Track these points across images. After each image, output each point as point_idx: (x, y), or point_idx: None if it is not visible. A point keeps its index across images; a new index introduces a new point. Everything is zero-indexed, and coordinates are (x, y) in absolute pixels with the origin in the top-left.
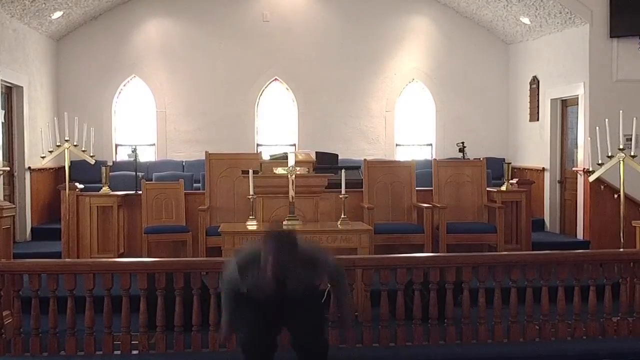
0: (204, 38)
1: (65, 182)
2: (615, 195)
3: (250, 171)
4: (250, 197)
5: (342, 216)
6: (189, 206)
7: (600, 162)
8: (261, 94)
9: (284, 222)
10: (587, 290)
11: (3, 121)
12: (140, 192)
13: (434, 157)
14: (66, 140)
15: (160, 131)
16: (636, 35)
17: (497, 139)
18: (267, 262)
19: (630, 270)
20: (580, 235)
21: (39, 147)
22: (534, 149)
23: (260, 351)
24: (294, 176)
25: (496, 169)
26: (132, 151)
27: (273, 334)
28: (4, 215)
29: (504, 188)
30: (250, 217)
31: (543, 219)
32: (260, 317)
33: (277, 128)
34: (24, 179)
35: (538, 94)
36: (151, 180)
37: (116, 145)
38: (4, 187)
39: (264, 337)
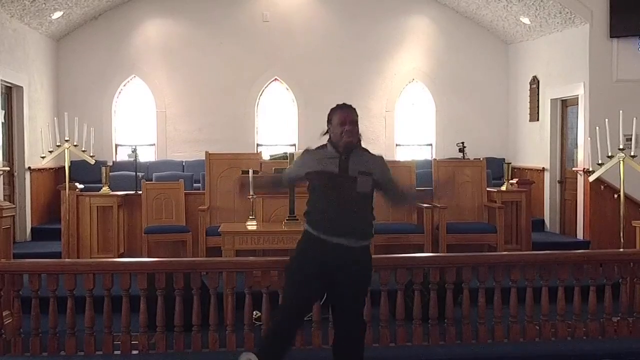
0: (204, 38)
1: (65, 182)
2: (615, 195)
3: (250, 171)
4: (250, 197)
5: None
6: (189, 206)
7: (600, 162)
8: (261, 94)
9: (284, 223)
10: (587, 290)
11: (3, 121)
12: (140, 192)
13: (434, 157)
14: (66, 140)
15: (160, 131)
16: (636, 35)
17: (497, 139)
18: (340, 131)
19: (630, 270)
20: (580, 235)
21: (39, 147)
22: (534, 149)
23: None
24: None
25: (496, 169)
26: (132, 151)
27: (317, 293)
28: (4, 215)
29: (504, 188)
30: (250, 217)
31: (543, 219)
32: (314, 271)
33: (277, 128)
34: (24, 179)
35: (538, 94)
36: (151, 180)
37: (116, 145)
38: (4, 187)
39: (311, 290)
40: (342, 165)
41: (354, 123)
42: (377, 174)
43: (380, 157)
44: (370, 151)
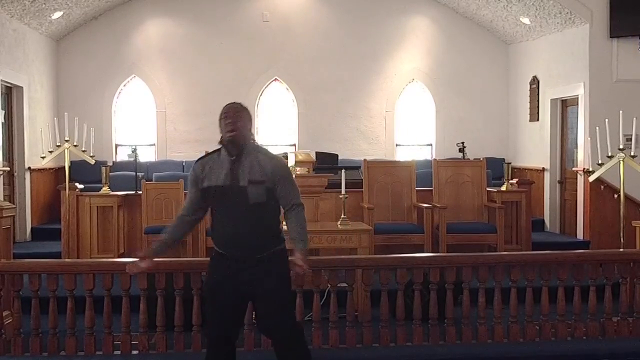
0: (204, 38)
1: (65, 182)
2: (615, 195)
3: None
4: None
5: (342, 216)
6: None
7: (600, 162)
8: (261, 94)
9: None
10: (587, 290)
11: (3, 121)
12: (140, 192)
13: (434, 157)
14: (66, 141)
15: (160, 131)
16: (636, 35)
17: (497, 139)
18: (223, 127)
19: (630, 270)
20: (580, 235)
21: (39, 147)
22: (534, 149)
23: (226, 325)
24: (294, 176)
25: (496, 169)
26: (132, 151)
27: (239, 309)
28: (4, 215)
29: (504, 188)
30: None
31: (543, 219)
32: (227, 282)
33: (277, 128)
34: (24, 179)
35: (538, 94)
36: (151, 180)
37: (116, 145)
38: (4, 187)
39: (229, 310)
40: (232, 171)
41: (236, 117)
42: (270, 182)
43: (278, 160)
44: (274, 154)
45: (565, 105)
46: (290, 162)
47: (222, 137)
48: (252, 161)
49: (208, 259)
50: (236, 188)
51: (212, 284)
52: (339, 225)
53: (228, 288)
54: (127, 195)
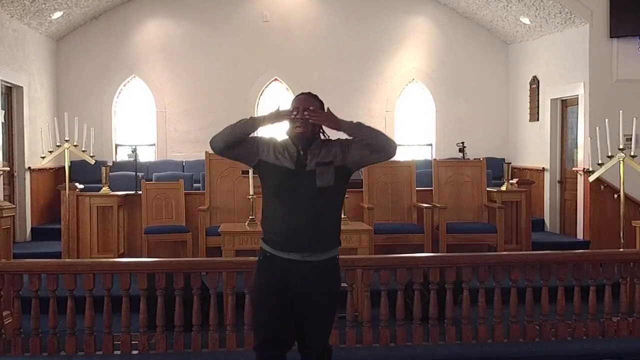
0: (204, 38)
1: (65, 182)
2: (615, 195)
3: (250, 171)
4: (250, 197)
5: (342, 216)
6: (189, 206)
7: (600, 162)
8: (261, 94)
9: None
10: (587, 290)
11: (3, 121)
12: (140, 192)
13: (434, 157)
14: (66, 141)
15: (160, 131)
16: (636, 35)
17: (497, 139)
18: (295, 111)
19: (630, 270)
20: (580, 235)
21: (39, 147)
22: (534, 149)
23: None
24: None
25: (496, 169)
26: (132, 151)
27: (290, 312)
28: (4, 215)
29: (504, 188)
30: (250, 217)
31: (543, 219)
32: (276, 298)
33: (277, 128)
34: (24, 179)
35: (538, 94)
36: (151, 180)
37: (116, 145)
38: (4, 187)
39: (279, 321)
40: (299, 159)
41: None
42: (338, 157)
43: (341, 139)
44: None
45: (565, 105)
46: None
47: (288, 128)
48: (320, 149)
49: (208, 259)
50: (304, 173)
51: (260, 285)
52: None
53: (277, 289)
54: (127, 195)
